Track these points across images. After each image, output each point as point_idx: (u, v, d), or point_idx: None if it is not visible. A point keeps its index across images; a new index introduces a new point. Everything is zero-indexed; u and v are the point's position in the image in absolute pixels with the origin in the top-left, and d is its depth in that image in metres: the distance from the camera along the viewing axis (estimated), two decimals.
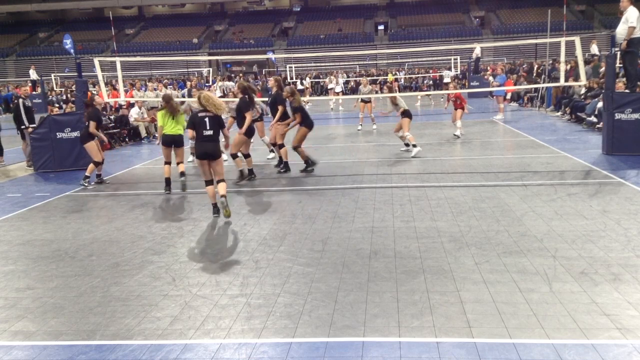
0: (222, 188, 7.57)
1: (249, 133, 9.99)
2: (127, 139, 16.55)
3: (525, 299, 4.58)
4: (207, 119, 7.51)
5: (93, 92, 27.44)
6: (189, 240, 6.72)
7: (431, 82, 36.57)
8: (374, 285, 5.02)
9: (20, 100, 12.98)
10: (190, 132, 7.63)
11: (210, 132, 7.52)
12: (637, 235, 6.07)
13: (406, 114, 12.12)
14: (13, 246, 6.78)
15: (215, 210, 7.68)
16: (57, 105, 23.63)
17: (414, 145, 11.95)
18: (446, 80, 33.78)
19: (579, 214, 7.02)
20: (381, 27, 56.40)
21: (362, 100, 17.56)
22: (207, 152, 7.52)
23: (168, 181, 9.47)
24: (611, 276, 4.98)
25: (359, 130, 17.10)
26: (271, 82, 11.67)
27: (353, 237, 6.47)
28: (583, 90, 17.17)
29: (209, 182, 7.71)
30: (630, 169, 9.62)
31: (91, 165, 10.19)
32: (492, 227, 6.62)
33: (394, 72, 38.24)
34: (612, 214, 6.91)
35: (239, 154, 10.16)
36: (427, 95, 29.17)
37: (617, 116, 10.85)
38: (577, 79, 16.28)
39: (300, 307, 4.63)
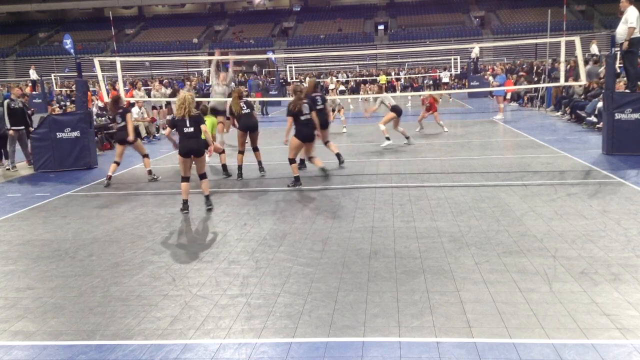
0: (205, 187, 8.12)
1: (305, 138, 9.33)
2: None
3: (525, 299, 4.58)
4: (186, 118, 7.88)
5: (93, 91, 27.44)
6: (189, 240, 6.72)
7: (431, 82, 36.58)
8: (374, 285, 5.02)
9: (6, 102, 12.44)
10: (167, 131, 8.22)
11: (190, 129, 7.85)
12: (637, 235, 6.07)
13: (394, 109, 13.11)
14: (13, 246, 6.79)
15: (185, 206, 7.94)
16: (57, 105, 23.60)
17: (387, 138, 13.16)
18: (445, 80, 33.78)
19: (579, 214, 7.02)
20: (381, 27, 56.40)
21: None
22: (192, 148, 7.88)
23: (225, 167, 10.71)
24: (611, 276, 4.98)
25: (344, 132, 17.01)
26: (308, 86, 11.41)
27: (353, 237, 6.47)
28: (582, 90, 17.18)
29: (185, 179, 8.02)
30: (630, 169, 9.62)
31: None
32: (492, 227, 6.62)
33: (388, 73, 38.17)
34: (612, 214, 6.91)
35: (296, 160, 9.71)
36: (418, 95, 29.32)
37: (617, 116, 10.85)
38: (577, 79, 16.27)
39: (300, 307, 4.63)
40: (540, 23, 42.64)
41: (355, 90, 32.73)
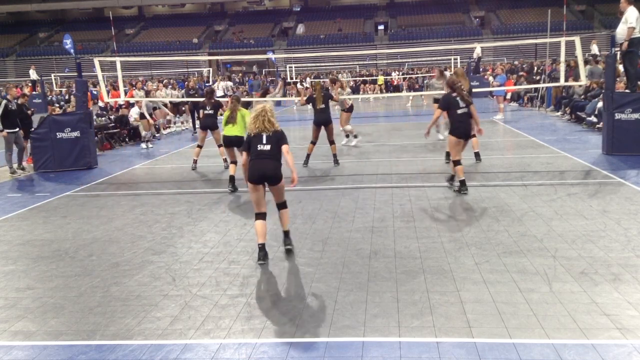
0: (285, 219, 6.05)
1: (462, 134, 8.21)
2: (127, 139, 16.55)
3: (525, 299, 4.58)
4: (263, 134, 5.80)
5: (94, 92, 27.45)
6: (189, 240, 6.72)
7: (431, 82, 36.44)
8: (374, 285, 5.02)
9: (4, 102, 11.98)
10: (244, 157, 6.00)
11: (267, 147, 5.75)
12: (637, 235, 6.07)
13: (350, 109, 13.54)
14: (13, 246, 6.79)
15: (262, 253, 5.75)
16: (57, 105, 23.62)
17: (355, 136, 13.77)
18: None
19: (579, 214, 7.02)
20: (381, 27, 56.40)
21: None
22: (265, 173, 5.73)
23: (232, 179, 9.33)
24: (611, 276, 4.98)
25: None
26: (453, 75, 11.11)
27: (353, 237, 6.47)
28: (582, 90, 17.18)
29: (259, 216, 5.85)
30: (630, 169, 9.62)
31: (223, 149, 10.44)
32: (492, 227, 6.62)
33: (388, 73, 38.04)
34: (612, 214, 6.91)
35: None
36: (419, 95, 29.17)
37: (617, 116, 10.85)
38: (577, 79, 16.27)
39: (301, 307, 4.63)
40: (540, 23, 42.61)
41: (355, 91, 32.67)
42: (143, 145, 15.46)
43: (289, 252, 5.97)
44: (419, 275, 5.19)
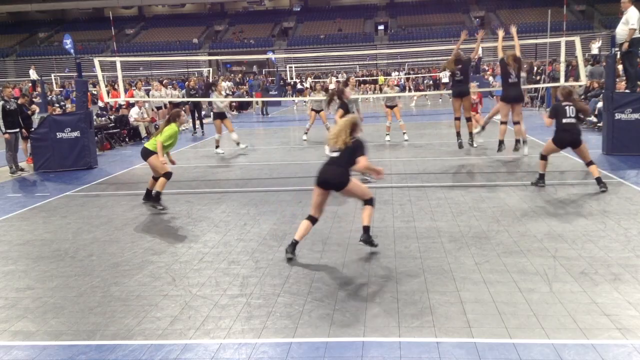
0: (365, 214, 5.90)
1: (563, 143, 8.36)
2: (127, 139, 16.55)
3: (525, 299, 4.58)
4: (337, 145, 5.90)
5: (93, 92, 27.43)
6: (189, 240, 6.72)
7: (431, 82, 36.52)
8: (374, 285, 5.02)
9: (1, 103, 11.77)
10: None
11: (335, 154, 5.84)
12: (637, 235, 6.07)
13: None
14: (13, 246, 6.78)
15: (290, 248, 5.83)
16: (57, 105, 23.57)
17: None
18: (444, 80, 33.70)
19: (579, 214, 7.02)
20: (381, 27, 56.44)
21: (387, 106, 14.89)
22: (327, 179, 5.77)
23: (147, 192, 8.54)
24: (611, 276, 4.98)
25: (405, 141, 14.59)
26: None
27: (353, 237, 6.46)
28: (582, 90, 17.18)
29: (310, 218, 5.92)
30: (630, 169, 9.62)
31: None
32: (492, 227, 6.61)
33: (388, 73, 38.02)
34: (612, 214, 6.91)
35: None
36: (423, 95, 29.16)
37: (617, 116, 10.86)
38: (577, 79, 16.27)
39: (300, 307, 4.63)
40: (540, 23, 42.58)
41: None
42: (219, 151, 13.40)
43: (366, 243, 5.84)
44: (419, 275, 5.19)
